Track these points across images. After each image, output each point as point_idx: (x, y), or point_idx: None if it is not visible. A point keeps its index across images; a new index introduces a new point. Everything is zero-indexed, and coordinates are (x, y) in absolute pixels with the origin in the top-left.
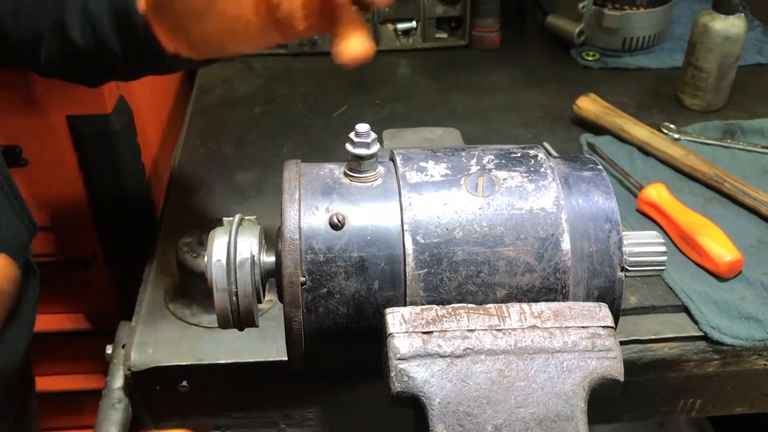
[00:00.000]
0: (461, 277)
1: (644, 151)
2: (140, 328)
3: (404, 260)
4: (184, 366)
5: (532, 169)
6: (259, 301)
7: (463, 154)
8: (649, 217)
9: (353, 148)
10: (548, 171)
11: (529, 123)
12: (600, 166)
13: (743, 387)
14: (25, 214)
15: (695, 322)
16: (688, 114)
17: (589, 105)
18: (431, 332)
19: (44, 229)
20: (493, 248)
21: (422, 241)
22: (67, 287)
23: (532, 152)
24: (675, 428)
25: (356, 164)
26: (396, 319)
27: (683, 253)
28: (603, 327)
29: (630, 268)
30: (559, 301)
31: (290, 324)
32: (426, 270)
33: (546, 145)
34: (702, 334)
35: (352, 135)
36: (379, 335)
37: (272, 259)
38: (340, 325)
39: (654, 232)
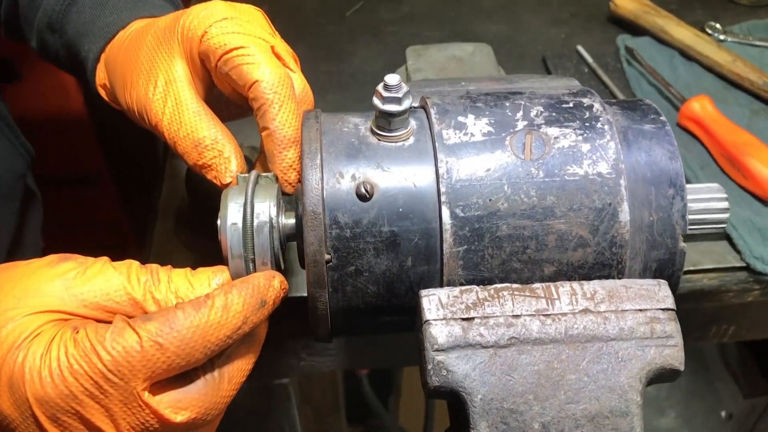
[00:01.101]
0: (505, 253)
1: (686, 55)
2: (152, 262)
3: (441, 236)
4: None
5: (587, 124)
6: (278, 268)
7: (507, 104)
8: (691, 133)
9: (382, 104)
10: (605, 126)
11: (561, 21)
12: (663, 117)
13: None
14: (20, 143)
15: (737, 251)
16: (734, 10)
17: (626, 2)
18: (472, 319)
19: (47, 149)
20: (542, 221)
21: (461, 214)
22: (75, 206)
23: (586, 101)
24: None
25: (385, 122)
26: (432, 303)
27: (727, 175)
28: (663, 309)
29: (688, 227)
30: (613, 277)
31: (315, 304)
32: (465, 247)
33: (580, 49)
34: (744, 264)
35: (380, 88)
36: (412, 311)
37: (292, 221)
38: (370, 304)
39: (716, 185)
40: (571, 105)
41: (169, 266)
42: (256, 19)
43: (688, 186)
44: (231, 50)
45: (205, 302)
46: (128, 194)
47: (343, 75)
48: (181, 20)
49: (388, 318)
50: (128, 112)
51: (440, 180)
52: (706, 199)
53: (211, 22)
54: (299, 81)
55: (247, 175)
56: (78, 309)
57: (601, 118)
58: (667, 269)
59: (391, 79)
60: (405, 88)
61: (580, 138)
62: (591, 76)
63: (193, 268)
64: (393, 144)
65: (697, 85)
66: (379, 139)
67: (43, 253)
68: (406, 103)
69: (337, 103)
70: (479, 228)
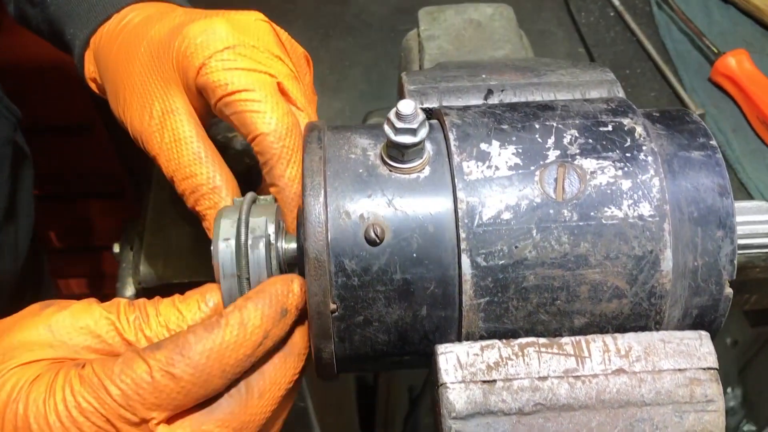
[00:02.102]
0: (531, 305)
1: None
2: (148, 238)
3: (460, 286)
4: (198, 283)
5: (628, 154)
6: None
7: (537, 126)
8: (724, 91)
9: (394, 135)
10: (649, 158)
11: None
12: (713, 141)
13: None
14: (3, 106)
15: None
16: None
17: None
18: (494, 381)
19: (35, 99)
20: (575, 271)
21: (484, 263)
22: (68, 157)
23: (627, 122)
24: None
25: (398, 152)
26: (450, 363)
27: (761, 139)
28: (704, 369)
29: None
30: (650, 329)
31: (320, 354)
32: (488, 299)
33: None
34: None
35: (392, 116)
36: (427, 357)
37: (293, 246)
38: (380, 351)
39: (765, 204)
40: (610, 128)
41: (157, 298)
42: (262, 41)
43: (736, 204)
44: (233, 92)
45: (218, 322)
46: (122, 143)
47: (347, 16)
48: (177, 42)
49: (401, 362)
50: (122, 126)
51: (460, 224)
52: (754, 222)
53: (211, 52)
54: (309, 119)
55: (242, 198)
56: (69, 354)
57: (644, 147)
58: (708, 315)
59: (405, 107)
60: (420, 116)
61: (620, 173)
62: (617, 20)
63: (190, 241)
64: (406, 176)
65: (734, 34)
66: (390, 170)
67: (37, 214)
68: (422, 133)
69: (341, 52)
70: (503, 278)
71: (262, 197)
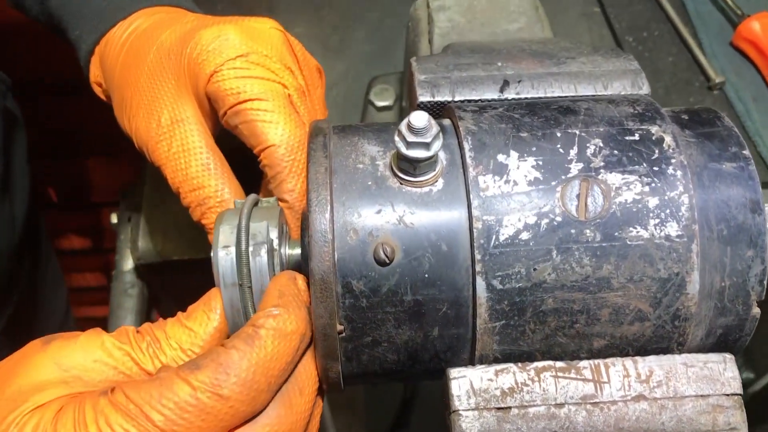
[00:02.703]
0: (549, 328)
1: None
2: (146, 212)
3: (474, 309)
4: (199, 261)
5: (655, 168)
6: None
7: (559, 134)
8: (746, 57)
9: (406, 149)
10: (678, 172)
11: None
12: (746, 151)
13: None
14: None
15: None
16: None
17: None
18: (508, 408)
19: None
20: (596, 294)
21: (500, 286)
22: (61, 117)
23: (654, 130)
24: None
25: (410, 165)
26: (463, 389)
27: None
28: (728, 395)
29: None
30: (672, 350)
31: (326, 374)
32: (503, 322)
33: None
34: None
35: (403, 128)
36: (438, 373)
37: (297, 251)
38: (389, 370)
39: None
40: (636, 137)
41: (160, 320)
42: (275, 50)
43: None
44: (245, 101)
45: (256, 334)
46: None
47: None
48: (188, 48)
49: (410, 377)
50: (127, 135)
51: (475, 244)
52: None
53: (223, 60)
54: None
55: (243, 201)
56: (86, 389)
57: (673, 160)
58: (733, 335)
59: (418, 119)
60: (434, 128)
61: (646, 189)
62: None
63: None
64: (418, 190)
65: None
66: (401, 183)
67: (34, 172)
68: (435, 147)
69: (345, 11)
70: (520, 302)
71: (264, 199)
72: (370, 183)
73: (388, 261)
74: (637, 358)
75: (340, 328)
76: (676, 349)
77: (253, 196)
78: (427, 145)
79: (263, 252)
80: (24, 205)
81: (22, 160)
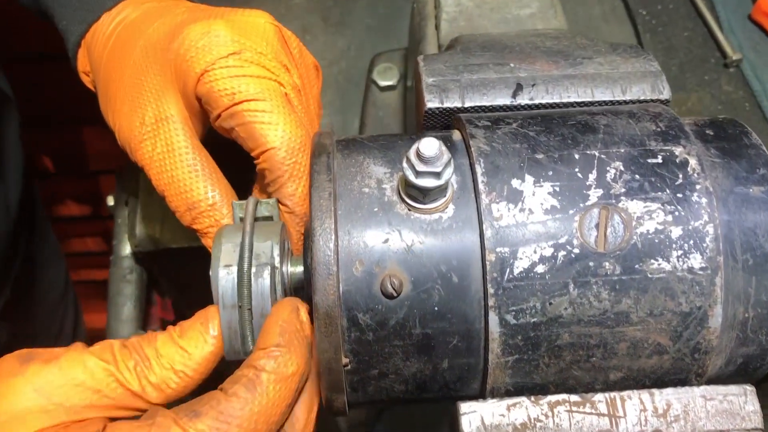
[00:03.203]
0: (564, 362)
1: None
2: (143, 197)
3: (486, 344)
4: (197, 249)
5: (679, 194)
6: None
7: (577, 156)
8: (765, 31)
9: (415, 177)
10: (703, 200)
11: None
12: None
13: None
14: None
15: None
16: None
17: None
18: None
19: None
20: (614, 328)
21: (513, 321)
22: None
23: (678, 152)
24: None
25: (419, 193)
26: (473, 425)
27: None
28: (748, 430)
29: None
30: (690, 382)
31: (331, 404)
32: (517, 356)
33: None
34: None
35: (412, 156)
36: (449, 401)
37: (300, 269)
38: (396, 399)
39: None
40: (659, 160)
41: (149, 333)
42: (270, 47)
43: None
44: (241, 102)
45: (258, 379)
46: None
47: None
48: (176, 44)
49: (418, 403)
50: (111, 130)
51: (488, 278)
52: None
53: (214, 58)
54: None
55: (243, 202)
56: (69, 417)
57: (698, 186)
58: (754, 363)
59: (428, 148)
60: (445, 156)
61: (669, 218)
62: None
63: None
64: (427, 216)
65: None
66: (409, 209)
67: (28, 140)
68: (446, 175)
69: None
70: (535, 337)
71: (264, 201)
72: (376, 209)
73: (395, 294)
74: (654, 390)
75: (345, 361)
76: (694, 380)
77: (253, 199)
78: (437, 174)
79: (266, 274)
80: (18, 186)
81: (15, 139)
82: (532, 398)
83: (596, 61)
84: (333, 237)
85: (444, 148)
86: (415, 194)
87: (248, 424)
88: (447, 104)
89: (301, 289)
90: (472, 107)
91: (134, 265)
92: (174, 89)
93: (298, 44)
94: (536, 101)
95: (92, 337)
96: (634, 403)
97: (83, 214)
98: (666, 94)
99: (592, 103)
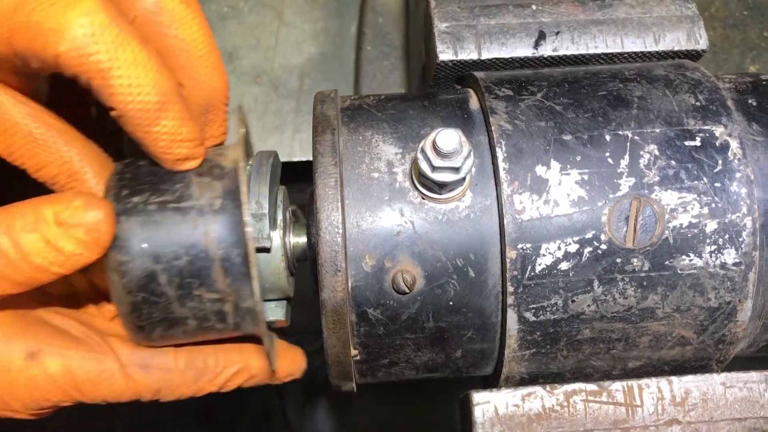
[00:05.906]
0: (583, 354)
1: None
2: None
3: (503, 339)
4: None
5: (717, 184)
6: (286, 297)
7: (609, 138)
8: None
9: (431, 172)
10: (742, 189)
11: None
12: None
13: None
14: None
15: None
16: None
17: None
18: None
19: None
20: (637, 324)
21: (533, 318)
22: None
23: (719, 133)
24: None
25: (434, 185)
26: (487, 416)
27: None
28: (766, 418)
29: None
30: (711, 369)
31: (339, 389)
32: (534, 350)
33: None
34: None
35: (428, 149)
36: (460, 380)
37: (303, 240)
38: (405, 381)
39: None
40: (697, 143)
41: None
42: None
43: None
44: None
45: None
46: None
47: None
48: None
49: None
50: None
51: (507, 276)
52: None
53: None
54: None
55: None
56: None
57: (738, 174)
58: None
59: (446, 141)
60: (465, 149)
61: (705, 210)
62: None
63: None
64: (442, 206)
65: None
66: (423, 198)
67: None
68: (466, 167)
69: None
70: (554, 332)
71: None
72: (387, 197)
73: (407, 290)
74: (673, 378)
75: (354, 353)
76: (715, 365)
77: (257, 157)
78: (456, 169)
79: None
80: None
81: None
82: (548, 387)
83: (627, 3)
84: (341, 230)
85: (464, 139)
86: (430, 185)
87: None
88: (462, 56)
89: (305, 260)
90: (490, 60)
91: None
92: None
93: None
94: (560, 53)
95: None
96: (652, 391)
97: None
98: (703, 43)
99: (621, 55)
